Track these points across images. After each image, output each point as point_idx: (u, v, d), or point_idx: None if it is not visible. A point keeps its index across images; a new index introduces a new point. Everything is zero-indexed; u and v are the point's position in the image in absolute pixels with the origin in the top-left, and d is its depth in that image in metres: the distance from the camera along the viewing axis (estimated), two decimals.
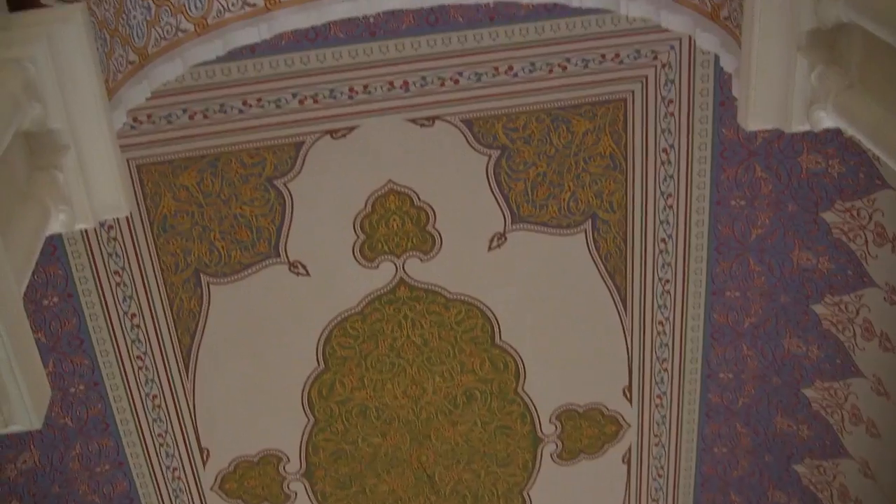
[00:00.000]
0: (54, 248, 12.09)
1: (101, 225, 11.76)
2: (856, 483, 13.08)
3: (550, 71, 11.98)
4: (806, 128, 7.47)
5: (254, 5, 8.63)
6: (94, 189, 7.10)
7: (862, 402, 12.45)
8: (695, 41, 8.51)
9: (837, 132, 8.27)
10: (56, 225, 6.86)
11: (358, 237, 12.79)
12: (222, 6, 8.57)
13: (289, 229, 12.65)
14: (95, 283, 12.47)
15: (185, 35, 8.48)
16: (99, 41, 7.51)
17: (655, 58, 12.05)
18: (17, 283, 5.79)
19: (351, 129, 12.11)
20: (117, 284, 12.56)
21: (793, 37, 7.09)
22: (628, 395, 14.44)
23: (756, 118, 7.56)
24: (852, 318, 12.17)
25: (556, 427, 14.70)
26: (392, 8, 8.93)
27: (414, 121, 12.13)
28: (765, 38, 7.17)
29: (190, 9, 8.46)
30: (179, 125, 11.88)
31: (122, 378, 13.20)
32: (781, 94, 7.33)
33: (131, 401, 13.42)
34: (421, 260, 13.08)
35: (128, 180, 7.43)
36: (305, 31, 10.78)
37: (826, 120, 7.25)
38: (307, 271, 12.95)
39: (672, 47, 11.97)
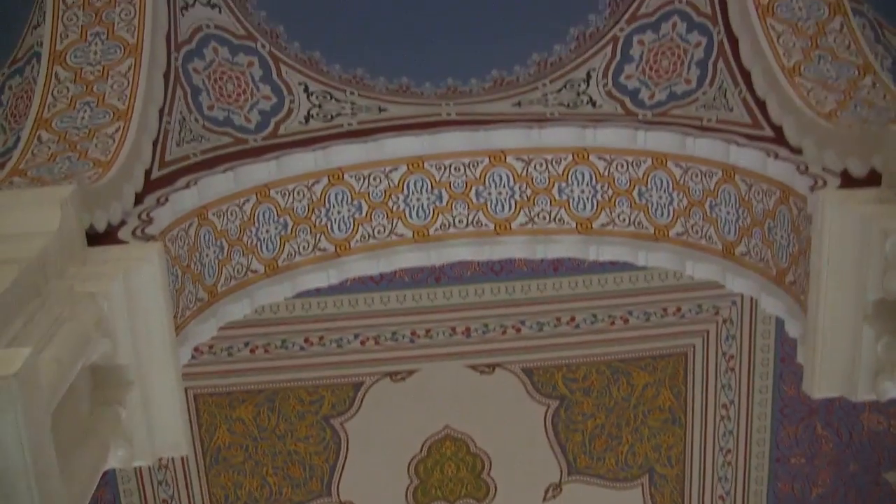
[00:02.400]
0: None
1: None
2: None
3: (612, 323, 12.02)
4: (872, 397, 7.37)
5: (324, 250, 8.81)
6: (155, 427, 7.08)
7: None
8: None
9: None
10: (114, 461, 6.84)
11: (412, 481, 12.66)
12: (294, 249, 8.75)
13: (342, 469, 12.55)
14: None
15: (255, 276, 8.64)
16: (171, 277, 7.65)
17: (717, 313, 12.08)
18: None
19: (411, 372, 12.14)
20: None
21: (859, 306, 7.08)
22: None
23: (821, 386, 7.48)
24: None
25: None
26: (460, 259, 9.10)
27: (474, 367, 12.16)
28: (831, 307, 7.16)
29: (262, 250, 8.64)
30: (240, 358, 11.98)
31: None
32: (847, 363, 7.26)
33: None
34: None
35: (187, 418, 7.44)
36: None
37: (893, 390, 7.16)
38: None
39: (734, 303, 12.01)
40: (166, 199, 7.91)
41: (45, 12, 8.50)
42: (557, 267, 11.62)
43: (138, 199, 7.85)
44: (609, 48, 9.00)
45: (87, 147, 7.74)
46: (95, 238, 7.15)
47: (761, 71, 8.37)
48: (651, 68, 8.92)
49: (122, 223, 7.49)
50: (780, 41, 8.33)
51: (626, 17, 8.99)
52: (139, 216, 7.60)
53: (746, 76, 8.57)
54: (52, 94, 8.19)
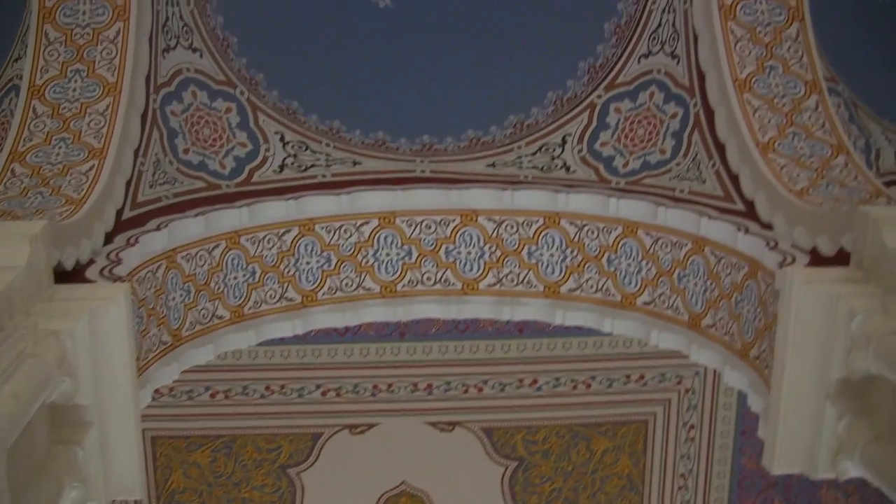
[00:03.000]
0: None
1: None
2: None
3: (574, 387, 12.02)
4: (831, 475, 7.38)
5: (291, 300, 8.79)
6: (111, 469, 7.01)
7: None
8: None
9: None
10: (67, 501, 6.75)
11: None
12: (261, 298, 8.73)
13: None
14: None
15: (220, 322, 8.60)
16: (136, 319, 7.60)
17: (679, 382, 12.09)
18: None
19: (370, 426, 12.09)
20: None
21: (822, 385, 7.10)
22: None
23: (781, 462, 7.49)
24: None
25: None
26: (427, 316, 9.10)
27: (434, 424, 12.11)
28: (794, 384, 7.18)
29: (229, 297, 8.61)
30: (200, 402, 11.89)
31: None
32: (808, 440, 7.27)
33: None
34: None
35: (143, 460, 7.37)
36: None
37: (852, 470, 7.16)
38: None
39: (697, 373, 12.02)
40: (136, 241, 7.88)
41: (26, 46, 8.51)
42: (523, 328, 11.62)
43: (108, 238, 7.83)
44: (586, 114, 9.07)
45: (60, 183, 7.71)
46: (63, 275, 7.11)
47: (736, 145, 8.44)
48: (626, 136, 8.99)
49: (91, 262, 7.47)
50: (756, 116, 8.41)
51: (605, 84, 9.07)
52: (108, 256, 7.57)
53: (721, 149, 8.64)
54: (29, 127, 8.17)
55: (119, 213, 8.09)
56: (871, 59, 9.50)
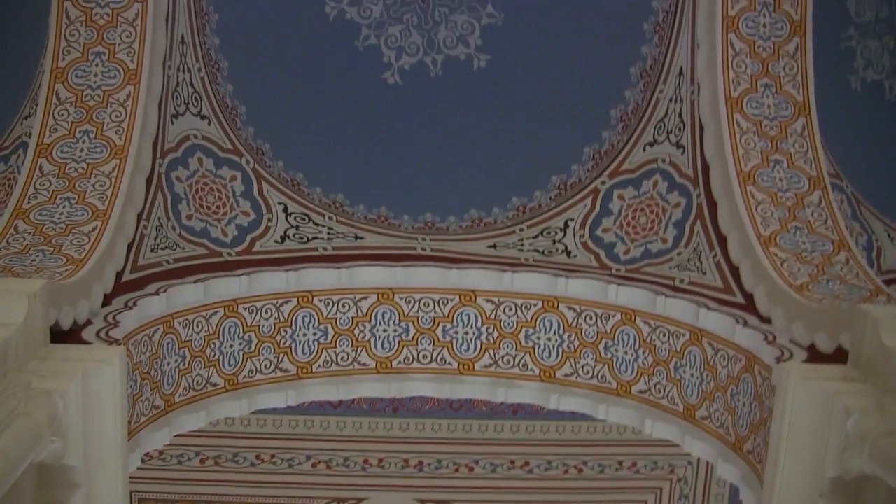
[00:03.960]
0: None
1: None
2: None
3: (566, 472, 11.95)
4: None
5: (286, 371, 8.77)
6: None
7: None
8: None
9: None
10: None
11: None
12: (255, 367, 8.70)
13: None
14: None
15: (214, 389, 8.57)
16: (129, 382, 7.58)
17: (672, 471, 12.03)
18: None
19: (359, 500, 12.02)
20: None
21: (816, 482, 7.05)
22: None
23: None
24: None
25: None
26: (421, 394, 9.07)
27: (423, 502, 12.02)
28: (788, 480, 7.13)
29: (224, 364, 8.59)
30: (189, 467, 11.84)
31: None
32: None
33: None
34: None
35: None
36: None
37: None
38: None
39: (689, 463, 11.97)
40: (134, 304, 7.89)
41: (37, 104, 8.55)
42: (517, 410, 11.58)
43: (107, 300, 7.83)
44: (589, 200, 9.10)
45: (62, 243, 7.73)
46: (59, 335, 7.10)
47: (737, 237, 8.46)
48: (629, 224, 9.02)
49: (88, 323, 7.46)
50: (759, 210, 8.43)
51: (609, 170, 9.12)
52: (105, 318, 7.57)
53: (722, 241, 8.65)
54: (35, 185, 8.20)
55: (119, 275, 8.10)
56: (875, 156, 9.54)
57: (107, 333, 7.36)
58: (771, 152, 8.67)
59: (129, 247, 8.29)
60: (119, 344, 7.27)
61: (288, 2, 9.39)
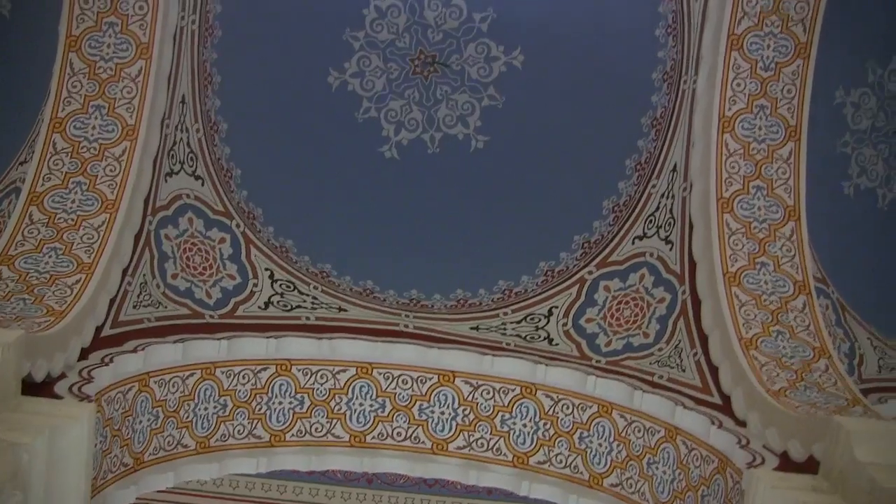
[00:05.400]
0: None
1: None
2: None
3: None
4: None
5: (259, 437, 8.73)
6: None
7: None
8: None
9: None
10: None
11: None
12: (228, 431, 8.66)
13: None
14: None
15: (184, 451, 8.52)
16: (99, 438, 7.53)
17: None
18: None
19: None
20: None
21: None
22: None
23: None
24: None
25: None
26: (393, 471, 9.03)
27: None
28: None
29: (196, 427, 8.55)
30: None
31: None
32: None
33: None
34: None
35: None
36: None
37: None
38: None
39: None
40: (111, 360, 7.86)
41: (33, 151, 8.56)
42: (491, 490, 11.48)
43: (84, 353, 7.80)
44: (575, 289, 9.11)
45: (44, 293, 7.72)
46: (32, 386, 7.05)
47: (719, 337, 8.46)
48: (612, 316, 9.02)
49: (63, 376, 7.42)
50: (742, 311, 8.43)
51: (597, 261, 9.13)
52: (80, 372, 7.54)
53: (704, 340, 8.65)
54: (23, 233, 8.20)
55: (99, 329, 8.08)
56: (864, 264, 9.55)
57: (79, 389, 7.31)
58: (758, 255, 8.69)
59: (112, 302, 8.28)
60: (90, 401, 7.22)
61: (292, 69, 9.44)
